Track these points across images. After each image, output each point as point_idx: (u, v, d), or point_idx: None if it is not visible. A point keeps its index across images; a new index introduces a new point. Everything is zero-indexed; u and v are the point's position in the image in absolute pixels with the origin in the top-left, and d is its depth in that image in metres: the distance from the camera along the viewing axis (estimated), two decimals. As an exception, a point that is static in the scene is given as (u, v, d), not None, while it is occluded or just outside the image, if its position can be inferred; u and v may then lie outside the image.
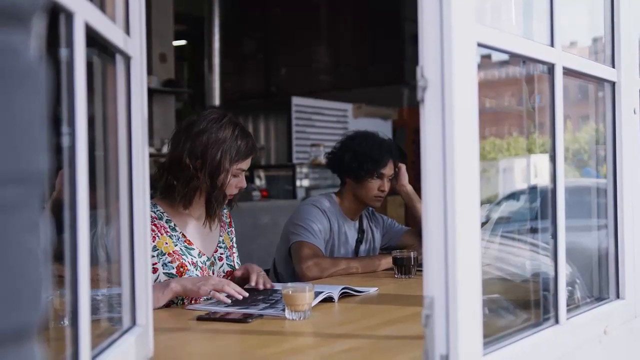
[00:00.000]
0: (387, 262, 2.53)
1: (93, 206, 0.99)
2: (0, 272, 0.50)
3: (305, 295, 1.66)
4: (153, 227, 2.00)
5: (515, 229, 1.84)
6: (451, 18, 1.00)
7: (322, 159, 6.44)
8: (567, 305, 1.37)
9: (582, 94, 1.86)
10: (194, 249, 2.09)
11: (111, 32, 1.06)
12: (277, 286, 2.01)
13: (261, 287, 2.04)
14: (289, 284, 1.73)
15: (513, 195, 2.31)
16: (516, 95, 1.72)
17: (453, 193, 1.00)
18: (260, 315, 1.70)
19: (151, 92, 6.74)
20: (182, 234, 2.08)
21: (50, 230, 0.57)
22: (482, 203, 1.15)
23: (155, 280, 1.98)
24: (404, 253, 2.41)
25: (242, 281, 2.10)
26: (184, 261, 2.03)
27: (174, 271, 2.01)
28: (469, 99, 1.05)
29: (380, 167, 2.64)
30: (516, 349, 1.20)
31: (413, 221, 2.89)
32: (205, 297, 1.91)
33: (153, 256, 1.98)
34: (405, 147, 6.63)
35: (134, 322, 1.21)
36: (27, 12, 0.54)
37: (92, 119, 1.11)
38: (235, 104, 8.74)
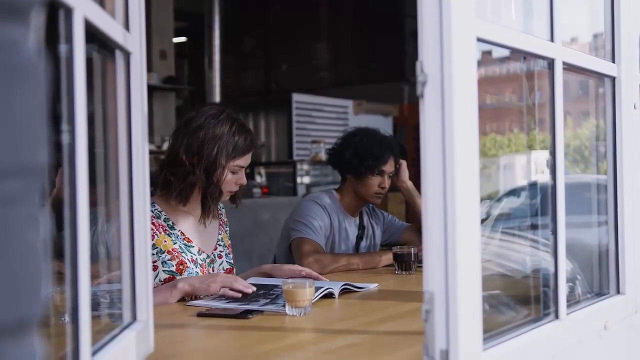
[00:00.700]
0: (387, 258, 2.53)
1: (93, 203, 1.00)
2: (-1, 265, 0.50)
3: (305, 291, 1.67)
4: (152, 225, 2.00)
5: (516, 225, 1.84)
6: (451, 13, 1.00)
7: (323, 156, 6.44)
8: (568, 301, 1.37)
9: (583, 90, 1.86)
10: (193, 246, 2.09)
11: (111, 27, 1.06)
12: (277, 282, 2.02)
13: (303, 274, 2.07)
14: (290, 280, 1.74)
15: (514, 192, 2.32)
16: (517, 91, 1.72)
17: (453, 188, 1.00)
18: (261, 311, 1.70)
19: (151, 89, 6.74)
20: (181, 232, 2.08)
21: (50, 225, 0.57)
22: (483, 199, 1.15)
23: (156, 278, 1.98)
24: (404, 249, 2.41)
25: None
26: (183, 259, 2.03)
27: (173, 269, 2.01)
28: (468, 94, 1.04)
29: (381, 163, 2.64)
30: (516, 344, 1.20)
31: (413, 217, 2.89)
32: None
33: (153, 254, 1.98)
34: (406, 143, 6.63)
35: (134, 317, 1.21)
36: (26, 6, 0.54)
37: (92, 115, 1.11)
38: (235, 101, 8.75)
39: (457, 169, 1.01)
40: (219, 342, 1.53)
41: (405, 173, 2.77)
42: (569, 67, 1.41)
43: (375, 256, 2.59)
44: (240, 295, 1.84)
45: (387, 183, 2.67)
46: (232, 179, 2.07)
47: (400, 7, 8.03)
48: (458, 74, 1.01)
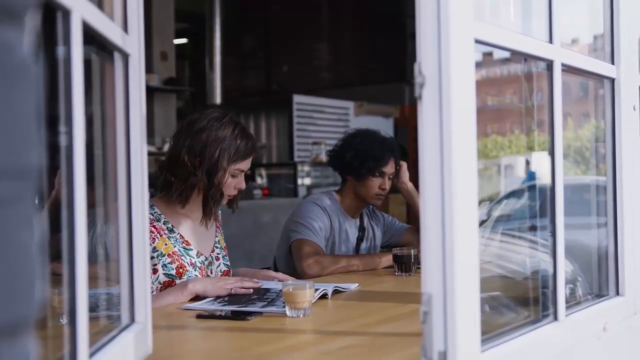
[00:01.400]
0: (387, 259, 2.53)
1: (92, 205, 1.00)
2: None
3: (305, 292, 1.67)
4: (152, 228, 2.01)
5: (516, 226, 1.84)
6: (449, 14, 1.00)
7: (324, 157, 6.44)
8: (567, 302, 1.37)
9: (583, 91, 1.86)
10: (192, 249, 2.09)
11: (109, 29, 1.06)
12: (270, 284, 2.03)
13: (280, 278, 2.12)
14: (289, 282, 1.74)
15: (514, 193, 2.32)
16: (518, 93, 1.72)
17: (451, 190, 1.00)
18: (260, 313, 1.70)
19: (152, 91, 6.75)
20: (180, 235, 2.08)
21: (45, 226, 0.57)
22: (483, 200, 1.15)
23: (155, 281, 1.99)
24: (403, 250, 2.41)
25: None
26: (183, 262, 2.04)
27: (173, 272, 2.01)
28: (466, 96, 1.04)
29: (382, 165, 2.64)
30: (515, 345, 1.20)
31: (414, 219, 2.89)
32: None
33: (153, 257, 1.99)
34: (407, 145, 6.63)
35: (132, 319, 1.21)
36: (21, 8, 0.54)
37: (91, 117, 1.11)
38: (236, 102, 8.75)
39: (455, 171, 1.01)
40: (217, 343, 1.53)
41: (405, 174, 2.77)
42: (567, 69, 1.41)
43: (375, 258, 2.58)
44: (251, 291, 1.92)
45: (387, 184, 2.67)
46: (231, 182, 2.08)
47: (401, 7, 8.03)
48: (456, 75, 1.01)
